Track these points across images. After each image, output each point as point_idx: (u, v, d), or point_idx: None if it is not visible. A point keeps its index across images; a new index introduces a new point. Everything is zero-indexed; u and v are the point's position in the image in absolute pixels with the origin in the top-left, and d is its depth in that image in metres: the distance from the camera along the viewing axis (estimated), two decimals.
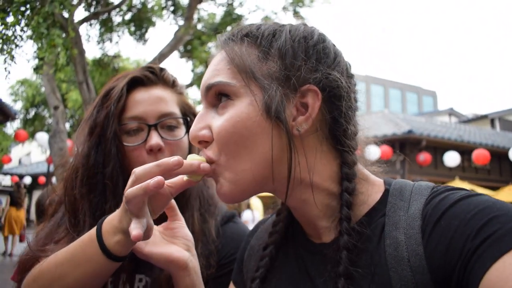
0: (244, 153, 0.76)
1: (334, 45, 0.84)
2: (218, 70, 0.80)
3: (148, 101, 1.22)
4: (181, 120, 1.26)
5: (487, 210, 0.64)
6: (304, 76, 0.77)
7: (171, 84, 1.30)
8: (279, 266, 0.91)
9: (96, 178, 1.18)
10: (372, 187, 0.82)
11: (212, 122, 0.80)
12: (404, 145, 14.61)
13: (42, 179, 22.87)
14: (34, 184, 25.41)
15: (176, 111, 1.26)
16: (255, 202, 13.13)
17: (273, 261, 0.92)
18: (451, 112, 33.88)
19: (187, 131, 1.25)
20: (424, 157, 14.08)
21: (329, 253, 0.77)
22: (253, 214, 12.37)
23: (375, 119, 16.42)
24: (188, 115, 1.31)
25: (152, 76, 1.26)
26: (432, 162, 14.76)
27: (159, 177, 0.79)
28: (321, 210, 0.81)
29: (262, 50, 0.79)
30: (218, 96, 0.80)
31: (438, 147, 15.32)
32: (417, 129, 14.78)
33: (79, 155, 1.21)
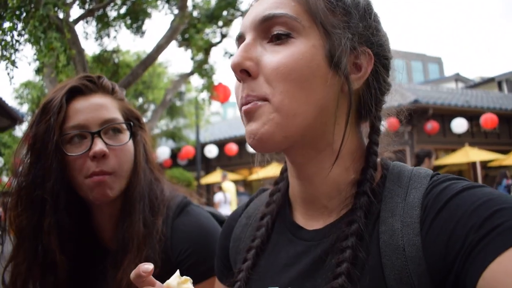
0: (300, 95, 0.71)
1: None
2: (280, 2, 0.74)
3: (88, 108, 1.20)
4: (124, 125, 1.25)
5: (492, 202, 0.62)
6: (363, 37, 0.77)
7: (111, 91, 1.28)
8: (273, 240, 0.89)
9: (35, 194, 1.15)
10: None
11: (261, 56, 0.74)
12: (410, 115, 14.44)
13: None
14: None
15: (119, 116, 1.24)
16: (228, 184, 13.27)
17: (269, 233, 0.90)
18: (457, 78, 33.46)
19: (131, 136, 1.26)
20: (431, 125, 14.00)
21: (323, 236, 0.78)
22: (225, 196, 12.51)
23: None
24: (131, 120, 1.29)
25: (90, 84, 1.24)
26: (440, 130, 14.68)
27: None
28: (330, 185, 0.79)
29: (330, 1, 0.76)
30: (273, 30, 0.74)
31: (445, 115, 15.20)
32: (422, 98, 14.67)
33: (19, 174, 1.19)
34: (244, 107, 0.74)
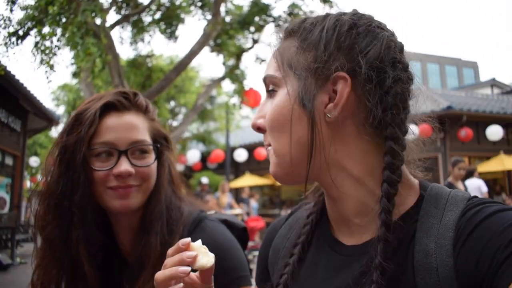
0: (282, 138, 0.81)
1: (376, 27, 0.82)
2: (268, 64, 0.89)
3: (120, 127, 1.22)
4: (151, 147, 1.27)
5: None
6: (335, 64, 0.77)
7: (144, 110, 1.30)
8: (311, 253, 0.92)
9: (64, 205, 1.18)
10: (408, 190, 0.81)
11: (267, 111, 0.86)
12: (443, 122, 14.11)
13: None
14: None
15: (147, 138, 1.26)
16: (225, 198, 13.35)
17: (305, 251, 0.92)
18: (493, 83, 32.53)
19: (157, 157, 1.28)
20: (465, 132, 13.68)
21: (361, 253, 0.78)
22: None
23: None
24: (159, 140, 1.32)
25: (125, 101, 1.26)
26: (474, 138, 14.32)
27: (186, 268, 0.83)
28: (357, 206, 0.81)
29: (300, 42, 0.83)
30: (269, 87, 0.86)
31: (479, 122, 14.82)
32: (456, 104, 14.35)
33: (48, 181, 1.21)
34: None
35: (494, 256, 0.63)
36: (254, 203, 15.21)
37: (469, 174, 8.98)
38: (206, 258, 0.86)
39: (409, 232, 0.75)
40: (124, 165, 1.18)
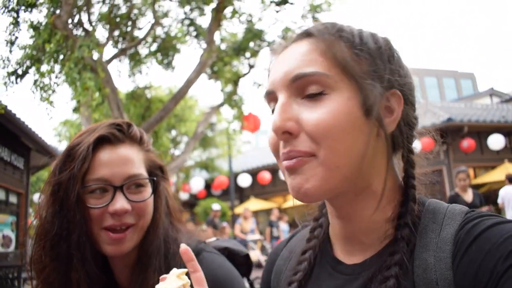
0: (342, 148, 0.73)
1: None
2: (309, 60, 0.77)
3: (114, 162, 1.16)
4: (147, 180, 1.21)
5: None
6: (389, 79, 0.78)
7: (139, 141, 1.25)
8: (314, 274, 0.90)
9: (61, 247, 1.12)
10: None
11: (299, 113, 0.75)
12: (445, 134, 14.22)
13: None
14: None
15: (143, 171, 1.21)
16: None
17: (311, 267, 0.91)
18: (492, 93, 32.65)
19: (153, 191, 1.23)
20: (467, 143, 13.69)
21: (362, 270, 0.79)
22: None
23: None
24: (154, 171, 1.27)
25: (119, 133, 1.21)
26: (477, 148, 14.32)
27: None
28: (369, 224, 0.81)
29: (356, 49, 0.78)
30: (306, 89, 0.76)
31: (481, 132, 14.84)
32: (456, 116, 14.39)
33: (43, 222, 1.16)
34: (286, 163, 0.76)
35: (493, 268, 0.63)
36: (284, 226, 14.92)
37: (509, 180, 8.43)
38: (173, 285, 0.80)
39: (409, 247, 0.76)
40: (120, 202, 1.13)
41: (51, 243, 1.13)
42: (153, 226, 1.21)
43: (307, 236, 0.95)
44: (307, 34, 0.82)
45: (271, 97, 0.82)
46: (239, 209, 19.10)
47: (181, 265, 1.16)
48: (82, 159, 1.14)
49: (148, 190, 1.21)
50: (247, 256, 1.33)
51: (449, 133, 14.27)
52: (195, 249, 1.21)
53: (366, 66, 0.77)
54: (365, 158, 0.76)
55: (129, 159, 1.19)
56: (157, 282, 1.12)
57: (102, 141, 1.18)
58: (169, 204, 1.30)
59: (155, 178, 1.24)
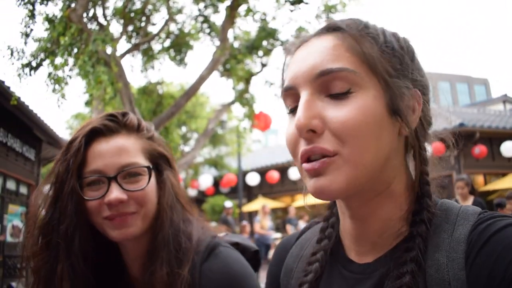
0: (369, 146, 0.72)
1: None
2: (336, 55, 0.74)
3: (107, 153, 1.16)
4: (144, 168, 1.19)
5: None
6: (412, 79, 0.79)
7: (136, 129, 1.24)
8: (326, 274, 0.89)
9: (50, 236, 1.14)
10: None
11: (323, 111, 0.73)
12: (456, 140, 14.00)
13: None
14: None
15: (139, 159, 1.19)
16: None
17: (323, 268, 0.89)
18: (505, 99, 32.28)
19: (156, 179, 1.23)
20: (479, 149, 13.55)
21: (373, 270, 0.79)
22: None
23: None
24: (156, 160, 1.26)
25: (112, 124, 1.20)
26: (488, 154, 14.17)
27: None
28: (384, 224, 0.80)
29: (381, 46, 0.77)
30: (332, 85, 0.74)
31: (493, 138, 14.68)
32: (468, 121, 14.24)
33: (38, 210, 1.18)
34: (308, 165, 0.74)
35: (506, 270, 0.62)
36: (303, 224, 14.90)
37: None
38: None
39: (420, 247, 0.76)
40: (115, 193, 1.12)
41: (43, 231, 1.15)
42: (158, 217, 1.20)
43: (318, 237, 0.94)
44: (333, 29, 0.79)
45: (290, 93, 0.79)
46: (246, 208, 19.12)
47: (193, 260, 1.17)
48: (75, 152, 1.15)
49: (146, 179, 1.19)
50: (256, 252, 1.33)
51: (461, 138, 14.07)
52: (209, 245, 1.20)
53: (392, 64, 0.77)
54: (388, 157, 0.76)
55: (123, 149, 1.18)
56: (167, 275, 1.15)
57: (96, 134, 1.18)
58: (178, 195, 1.26)
59: (150, 166, 1.21)
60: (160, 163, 1.26)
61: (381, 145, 0.73)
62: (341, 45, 0.75)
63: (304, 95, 0.75)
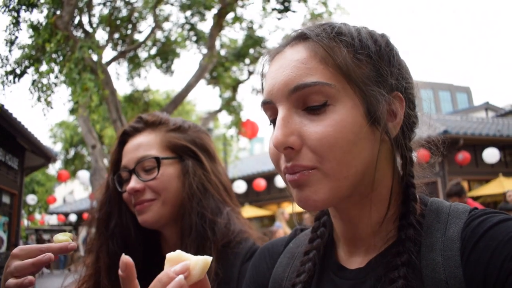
0: (349, 159, 0.71)
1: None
2: (309, 69, 0.73)
3: (130, 150, 1.32)
4: (157, 159, 1.28)
5: None
6: (391, 82, 0.76)
7: (157, 124, 1.35)
8: (316, 280, 0.88)
9: (102, 229, 1.34)
10: None
11: (301, 126, 0.73)
12: (441, 146, 14.12)
13: (86, 215, 23.46)
14: (80, 221, 26.10)
15: (153, 151, 1.29)
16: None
17: (316, 268, 0.88)
18: (487, 107, 32.83)
19: (158, 168, 1.27)
20: (463, 156, 13.70)
21: (366, 274, 0.78)
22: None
23: None
24: (178, 151, 1.32)
25: (138, 125, 1.35)
26: (472, 161, 14.33)
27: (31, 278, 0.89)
28: (374, 226, 0.80)
29: (357, 53, 0.74)
30: (308, 100, 0.73)
31: (476, 145, 14.86)
32: (452, 129, 14.42)
33: (96, 209, 1.39)
34: (290, 177, 0.74)
35: (501, 266, 0.63)
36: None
37: None
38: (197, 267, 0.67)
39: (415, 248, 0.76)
40: (132, 183, 1.26)
41: (99, 226, 1.35)
42: (181, 205, 1.29)
43: (309, 236, 0.93)
44: (303, 38, 0.78)
45: (268, 106, 0.79)
46: None
47: (235, 260, 1.23)
48: (112, 153, 1.38)
49: (162, 168, 1.28)
50: None
51: (445, 145, 14.20)
52: (251, 248, 1.26)
53: (369, 71, 0.75)
54: (371, 164, 0.75)
55: (141, 144, 1.31)
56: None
57: (127, 135, 1.36)
58: (208, 184, 1.32)
59: (159, 157, 1.28)
60: (182, 153, 1.33)
61: (362, 155, 0.73)
62: (313, 57, 0.74)
63: (281, 111, 0.75)
